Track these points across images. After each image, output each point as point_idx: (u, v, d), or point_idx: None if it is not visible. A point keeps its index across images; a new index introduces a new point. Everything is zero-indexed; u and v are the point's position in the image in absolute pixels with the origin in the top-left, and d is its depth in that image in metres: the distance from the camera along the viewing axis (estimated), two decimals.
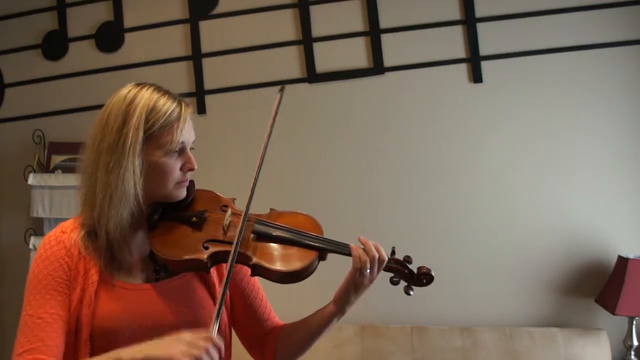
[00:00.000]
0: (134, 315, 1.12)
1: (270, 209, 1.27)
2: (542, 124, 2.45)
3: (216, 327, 1.01)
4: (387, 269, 1.19)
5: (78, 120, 2.76)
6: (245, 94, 2.67)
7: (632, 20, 2.38)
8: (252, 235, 1.17)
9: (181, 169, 1.16)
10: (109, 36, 2.77)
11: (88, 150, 1.15)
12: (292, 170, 2.62)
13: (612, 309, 2.19)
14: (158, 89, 1.16)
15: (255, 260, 1.14)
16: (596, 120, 2.41)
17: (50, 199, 2.62)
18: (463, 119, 2.50)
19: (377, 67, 2.56)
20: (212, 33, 2.69)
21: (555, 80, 2.44)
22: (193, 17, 2.70)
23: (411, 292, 1.19)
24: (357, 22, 2.58)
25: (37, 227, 2.79)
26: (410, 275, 1.19)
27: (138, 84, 1.16)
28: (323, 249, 1.17)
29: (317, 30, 2.60)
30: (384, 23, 2.56)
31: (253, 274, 1.16)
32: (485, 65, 2.48)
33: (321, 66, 2.60)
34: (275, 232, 1.19)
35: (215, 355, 0.98)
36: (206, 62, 2.70)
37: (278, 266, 1.14)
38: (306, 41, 2.61)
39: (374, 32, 2.56)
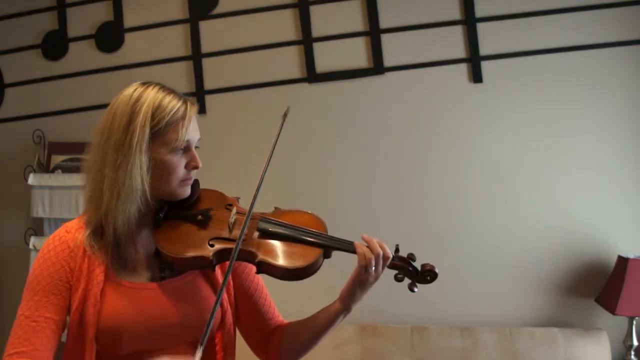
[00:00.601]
0: (140, 314, 1.13)
1: (275, 207, 1.28)
2: (542, 124, 2.45)
3: (201, 352, 1.03)
4: (391, 267, 1.20)
5: (78, 120, 2.76)
6: (245, 94, 2.67)
7: (632, 20, 2.38)
8: (257, 233, 1.18)
9: (186, 166, 1.17)
10: (109, 36, 2.77)
11: (94, 148, 1.15)
12: (292, 170, 2.62)
13: (612, 309, 2.19)
14: (163, 87, 1.17)
15: (260, 257, 1.15)
16: (596, 120, 2.41)
17: (50, 199, 2.62)
18: (463, 119, 2.50)
19: (377, 67, 2.56)
20: (212, 33, 2.69)
21: (555, 80, 2.44)
22: (193, 17, 2.70)
23: (415, 289, 1.20)
24: (357, 22, 2.58)
25: (37, 227, 2.79)
26: (414, 273, 1.20)
27: (143, 83, 1.17)
28: (328, 246, 1.18)
29: (317, 30, 2.60)
30: (384, 23, 2.56)
31: (258, 272, 1.17)
32: (485, 65, 2.48)
33: (321, 66, 2.60)
34: (280, 230, 1.19)
35: None
36: (206, 62, 2.70)
37: (283, 263, 1.15)
38: (306, 41, 2.61)
39: (374, 32, 2.56)
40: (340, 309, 1.21)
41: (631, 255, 2.24)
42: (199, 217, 1.19)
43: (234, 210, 1.21)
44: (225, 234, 1.17)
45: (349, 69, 2.58)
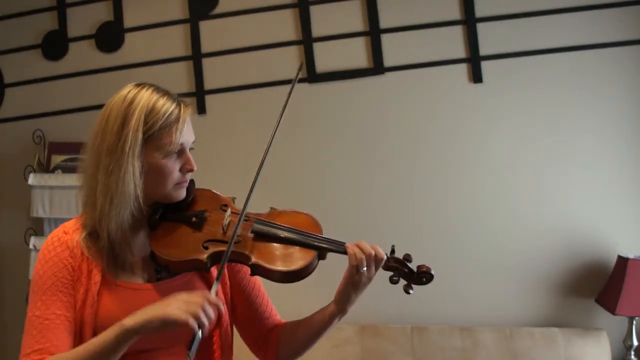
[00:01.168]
0: None
1: (271, 207, 1.27)
2: (542, 124, 2.45)
3: (215, 289, 1.06)
4: (386, 268, 1.19)
5: (78, 120, 2.76)
6: (245, 94, 2.67)
7: (632, 20, 2.38)
8: (251, 235, 1.18)
9: (180, 170, 1.16)
10: (109, 36, 2.77)
11: (88, 151, 1.15)
12: (292, 170, 2.62)
13: (612, 309, 2.19)
14: (157, 89, 1.16)
15: (254, 259, 1.14)
16: (596, 120, 2.41)
17: (50, 199, 2.62)
18: (463, 119, 2.50)
19: (377, 67, 2.56)
20: (212, 33, 2.69)
21: (555, 80, 2.44)
22: (193, 17, 2.70)
23: (411, 291, 1.18)
24: (357, 22, 2.58)
25: (37, 227, 2.79)
26: (410, 274, 1.19)
27: (138, 85, 1.16)
28: (321, 248, 1.17)
29: (317, 30, 2.60)
30: (384, 23, 2.56)
31: (253, 274, 1.16)
32: (485, 65, 2.48)
33: (321, 66, 2.60)
34: (275, 232, 1.19)
35: (212, 312, 1.02)
36: (206, 62, 2.70)
37: (277, 266, 1.14)
38: (306, 41, 2.61)
39: (374, 32, 2.56)
40: (335, 311, 1.20)
41: (631, 255, 2.24)
42: (194, 219, 1.18)
43: (229, 211, 1.21)
44: (220, 236, 1.17)
45: (349, 69, 2.58)
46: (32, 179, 2.62)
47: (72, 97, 2.80)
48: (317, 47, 2.61)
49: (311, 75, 2.60)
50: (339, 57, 2.59)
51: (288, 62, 2.63)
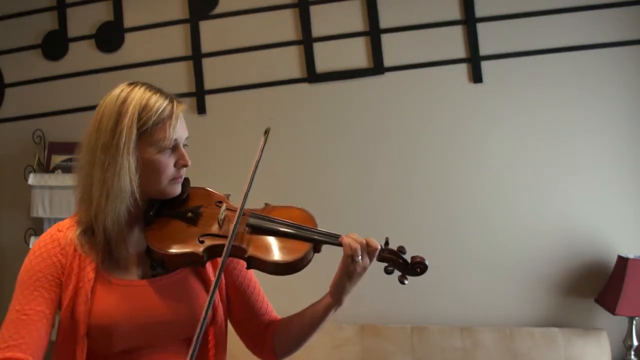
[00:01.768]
0: (131, 311, 1.13)
1: (265, 203, 1.28)
2: (542, 124, 2.45)
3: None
4: (380, 259, 1.20)
5: (78, 120, 2.76)
6: (245, 94, 2.67)
7: (632, 20, 2.38)
8: (246, 229, 1.19)
9: (175, 165, 1.18)
10: (109, 36, 2.78)
11: (84, 150, 1.17)
12: (292, 170, 2.62)
13: (612, 309, 2.19)
14: (150, 87, 1.18)
15: (250, 252, 1.15)
16: (596, 120, 2.41)
17: (50, 199, 2.62)
18: (463, 119, 2.50)
19: (377, 67, 2.56)
20: (212, 33, 2.69)
21: (555, 80, 2.44)
22: (193, 17, 2.70)
23: (406, 282, 1.19)
24: (357, 22, 2.58)
25: (37, 227, 2.79)
26: (404, 265, 1.20)
27: (130, 84, 1.18)
28: (316, 240, 1.18)
29: (317, 30, 2.60)
30: (384, 23, 2.56)
31: (249, 267, 1.17)
32: (485, 65, 2.48)
33: (321, 66, 2.60)
34: (270, 225, 1.20)
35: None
36: (206, 62, 2.70)
37: (273, 258, 1.15)
38: (306, 41, 2.61)
39: (374, 32, 2.56)
40: (331, 302, 1.21)
41: (631, 255, 2.24)
42: (189, 214, 1.20)
43: (224, 206, 1.22)
44: (215, 230, 1.18)
45: (349, 69, 2.58)
46: (32, 179, 2.62)
47: (72, 97, 2.81)
48: (317, 47, 2.61)
49: (311, 75, 2.60)
50: (339, 57, 2.59)
51: (288, 62, 2.63)
